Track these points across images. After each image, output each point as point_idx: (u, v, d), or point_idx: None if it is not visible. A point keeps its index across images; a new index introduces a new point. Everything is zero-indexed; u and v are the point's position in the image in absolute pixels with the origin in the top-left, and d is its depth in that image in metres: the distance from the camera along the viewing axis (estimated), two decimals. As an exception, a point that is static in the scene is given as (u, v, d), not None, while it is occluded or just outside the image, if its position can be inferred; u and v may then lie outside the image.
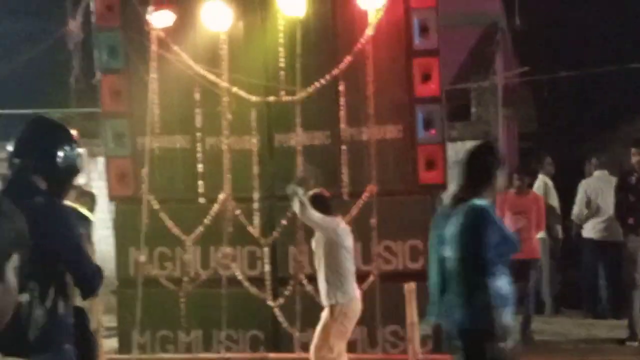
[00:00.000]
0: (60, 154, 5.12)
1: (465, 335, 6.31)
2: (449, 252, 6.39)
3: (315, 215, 8.58)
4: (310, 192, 8.94)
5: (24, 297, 4.66)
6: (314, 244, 8.82)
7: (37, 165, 5.05)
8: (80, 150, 5.34)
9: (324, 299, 8.66)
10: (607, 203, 13.50)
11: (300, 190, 8.72)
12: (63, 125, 5.45)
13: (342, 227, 8.79)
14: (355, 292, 8.70)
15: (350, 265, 8.73)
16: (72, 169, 5.21)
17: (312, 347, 8.68)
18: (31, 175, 5.03)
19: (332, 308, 8.48)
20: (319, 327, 8.66)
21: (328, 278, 8.51)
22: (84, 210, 6.13)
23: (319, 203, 8.80)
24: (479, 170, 6.50)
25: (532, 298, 12.51)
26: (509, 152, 17.60)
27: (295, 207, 8.59)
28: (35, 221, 4.51)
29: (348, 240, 8.69)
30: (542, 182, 14.32)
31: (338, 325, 8.49)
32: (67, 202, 5.86)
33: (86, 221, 6.17)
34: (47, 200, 4.97)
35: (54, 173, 5.09)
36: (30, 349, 4.58)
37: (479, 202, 6.36)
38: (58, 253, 4.91)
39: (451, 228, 6.37)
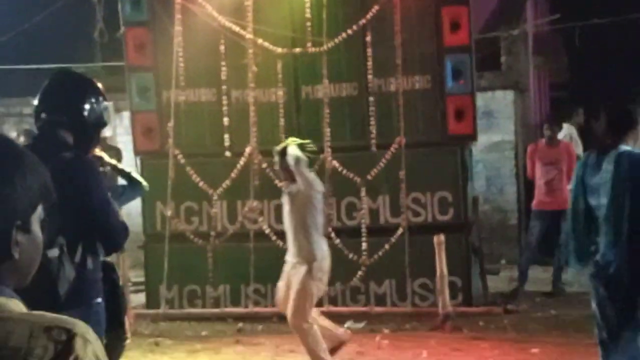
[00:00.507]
0: (87, 107, 5.10)
1: (616, 279, 6.21)
2: (597, 200, 6.23)
3: (307, 171, 8.27)
4: (297, 142, 8.59)
5: (54, 252, 4.64)
6: (286, 199, 8.48)
7: (65, 120, 5.03)
8: (107, 103, 5.29)
9: (299, 257, 8.28)
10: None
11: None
12: (89, 79, 5.42)
13: (320, 183, 8.52)
14: (326, 247, 8.42)
15: (322, 222, 8.48)
16: (99, 123, 5.19)
17: (290, 310, 8.16)
18: (59, 130, 5.01)
19: (310, 265, 8.24)
20: (295, 289, 8.20)
21: (306, 235, 8.18)
22: (139, 176, 6.02)
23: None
24: (622, 118, 6.37)
25: (563, 249, 12.37)
26: (540, 102, 17.41)
27: (291, 159, 8.24)
28: (63, 176, 4.49)
29: (320, 196, 8.45)
30: (566, 132, 14.07)
31: (317, 282, 8.20)
32: (127, 168, 5.82)
33: (139, 188, 6.10)
34: (76, 155, 4.96)
35: (82, 127, 5.07)
36: (61, 304, 4.56)
37: (627, 148, 6.21)
38: (86, 208, 4.89)
39: (600, 175, 6.21)
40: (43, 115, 5.07)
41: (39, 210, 2.15)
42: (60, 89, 5.17)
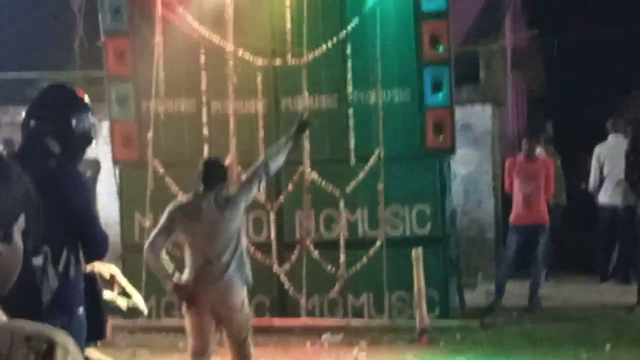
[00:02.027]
0: (75, 119, 5.14)
1: None
2: None
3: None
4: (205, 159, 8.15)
5: (38, 260, 4.66)
6: None
7: (52, 129, 5.09)
8: (94, 119, 5.34)
9: None
10: (621, 168, 13.42)
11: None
12: (80, 95, 5.46)
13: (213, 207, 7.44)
14: (203, 276, 7.36)
15: (203, 243, 7.42)
16: (85, 136, 5.25)
17: None
18: (46, 138, 5.06)
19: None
20: None
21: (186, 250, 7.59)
22: (141, 300, 5.73)
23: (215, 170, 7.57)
24: None
25: (540, 264, 12.42)
26: (518, 116, 17.48)
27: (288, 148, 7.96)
28: (48, 184, 4.52)
29: (209, 217, 7.38)
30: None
31: (184, 306, 7.56)
32: (130, 289, 5.59)
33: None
34: (61, 163, 5.00)
35: (69, 138, 5.12)
36: (44, 313, 4.58)
37: None
38: (71, 216, 4.93)
39: None
40: (32, 123, 5.12)
41: (21, 220, 2.15)
42: (51, 100, 5.24)
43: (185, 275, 7.45)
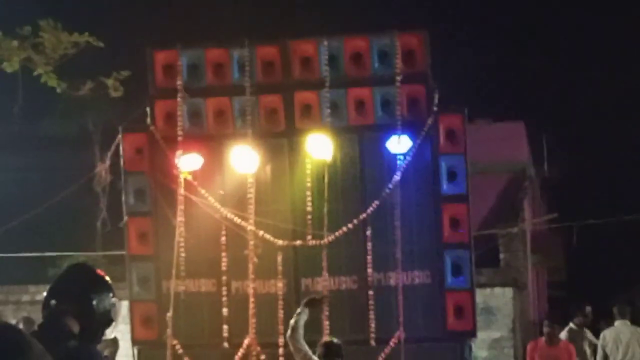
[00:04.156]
0: (96, 299, 5.14)
1: None
2: None
3: (304, 346, 8.25)
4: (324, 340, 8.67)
5: None
6: None
7: (73, 308, 5.08)
8: (115, 300, 5.35)
9: None
10: (627, 353, 13.26)
11: (304, 313, 8.47)
12: (102, 275, 5.49)
13: None
14: None
15: None
16: (105, 317, 5.23)
17: None
18: (65, 318, 5.04)
19: None
20: None
21: None
22: None
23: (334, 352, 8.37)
24: None
25: None
26: (538, 300, 17.41)
27: (290, 325, 8.35)
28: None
29: None
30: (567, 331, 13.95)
31: None
32: None
33: None
34: (80, 344, 4.96)
35: (89, 318, 5.11)
36: None
37: None
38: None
39: None
40: (52, 302, 5.13)
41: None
42: (72, 279, 5.26)
43: None
